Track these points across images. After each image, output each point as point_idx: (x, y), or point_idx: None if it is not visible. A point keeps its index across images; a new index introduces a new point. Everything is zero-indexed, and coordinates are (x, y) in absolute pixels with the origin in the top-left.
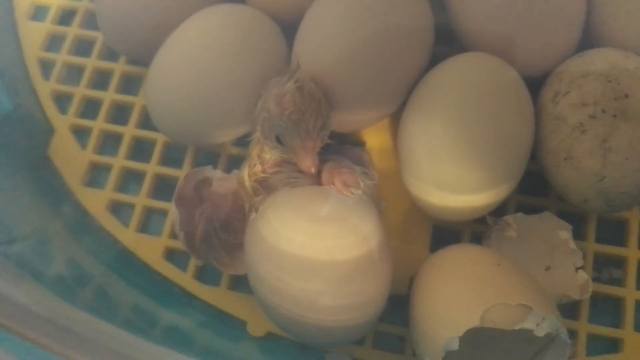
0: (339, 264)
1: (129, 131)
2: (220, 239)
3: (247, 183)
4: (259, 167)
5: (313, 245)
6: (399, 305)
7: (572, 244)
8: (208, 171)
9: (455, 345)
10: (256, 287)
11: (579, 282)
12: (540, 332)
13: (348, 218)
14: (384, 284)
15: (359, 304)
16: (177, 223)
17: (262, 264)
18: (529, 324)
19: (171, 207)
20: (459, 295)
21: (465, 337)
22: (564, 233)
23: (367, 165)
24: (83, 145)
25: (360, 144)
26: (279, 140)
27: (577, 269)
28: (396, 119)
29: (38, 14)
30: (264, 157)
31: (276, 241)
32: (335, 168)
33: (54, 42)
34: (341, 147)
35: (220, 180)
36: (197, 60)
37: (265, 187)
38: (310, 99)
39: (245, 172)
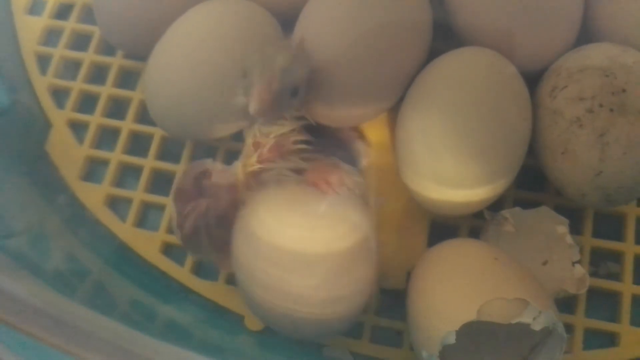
0: (330, 256)
1: (127, 125)
2: (210, 236)
3: (241, 176)
4: (254, 158)
5: (304, 238)
6: (396, 300)
7: (569, 239)
8: (208, 164)
9: (452, 339)
10: (246, 285)
11: (576, 277)
12: (537, 326)
13: (336, 209)
14: (373, 273)
15: (351, 294)
16: (175, 220)
17: (253, 260)
18: (525, 318)
19: (170, 203)
20: (456, 290)
21: (462, 331)
22: (561, 227)
23: (360, 156)
24: (80, 140)
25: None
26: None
27: (574, 263)
28: (394, 114)
29: (35, 7)
30: (258, 143)
31: (267, 236)
32: (320, 167)
33: (51, 36)
34: (338, 134)
35: (221, 172)
36: (195, 53)
37: (257, 181)
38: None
39: (240, 164)
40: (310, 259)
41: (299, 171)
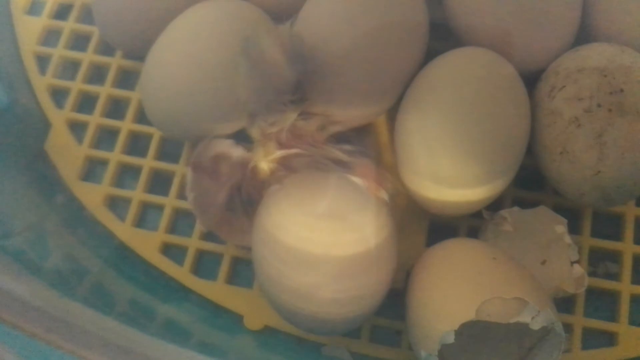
0: (335, 258)
1: (126, 125)
2: (243, 206)
3: (265, 165)
4: (272, 143)
5: (311, 238)
6: (395, 299)
7: (567, 238)
8: (227, 145)
9: (451, 339)
10: (265, 283)
11: (574, 276)
12: (536, 326)
13: (349, 214)
14: (383, 279)
15: (356, 297)
16: (189, 184)
17: (262, 251)
18: (524, 318)
19: (187, 170)
20: (455, 289)
21: (460, 331)
22: (560, 227)
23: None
24: (79, 140)
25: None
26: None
27: (572, 263)
28: (393, 113)
29: (34, 8)
30: (267, 135)
31: (277, 231)
32: (371, 168)
33: (50, 37)
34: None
35: (239, 156)
36: (192, 54)
37: (286, 167)
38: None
39: (259, 155)
40: (312, 258)
41: (337, 162)
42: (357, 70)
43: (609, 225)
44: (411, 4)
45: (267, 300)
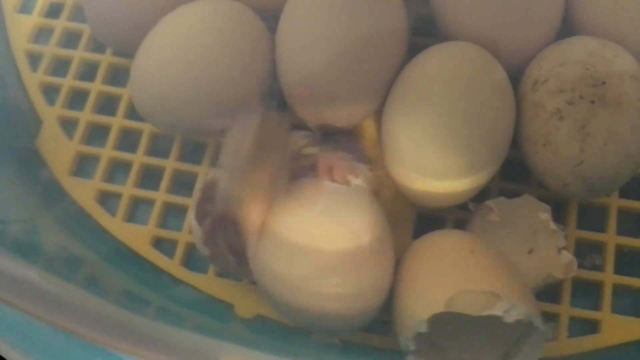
0: (323, 252)
1: (116, 122)
2: (228, 241)
3: None
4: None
5: (302, 231)
6: None
7: (552, 225)
8: (215, 174)
9: (423, 328)
10: (265, 281)
11: (563, 262)
12: (509, 319)
13: (340, 211)
14: (378, 279)
15: (347, 295)
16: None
17: (269, 258)
18: (496, 311)
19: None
20: (433, 280)
21: (434, 320)
22: (544, 214)
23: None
24: (71, 136)
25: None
26: None
27: (559, 249)
28: (380, 106)
29: (25, 6)
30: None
31: (280, 232)
32: (331, 159)
33: (41, 35)
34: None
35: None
36: (182, 49)
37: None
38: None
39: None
40: (324, 255)
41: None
42: (345, 74)
43: (595, 217)
44: (391, 11)
45: (270, 296)
